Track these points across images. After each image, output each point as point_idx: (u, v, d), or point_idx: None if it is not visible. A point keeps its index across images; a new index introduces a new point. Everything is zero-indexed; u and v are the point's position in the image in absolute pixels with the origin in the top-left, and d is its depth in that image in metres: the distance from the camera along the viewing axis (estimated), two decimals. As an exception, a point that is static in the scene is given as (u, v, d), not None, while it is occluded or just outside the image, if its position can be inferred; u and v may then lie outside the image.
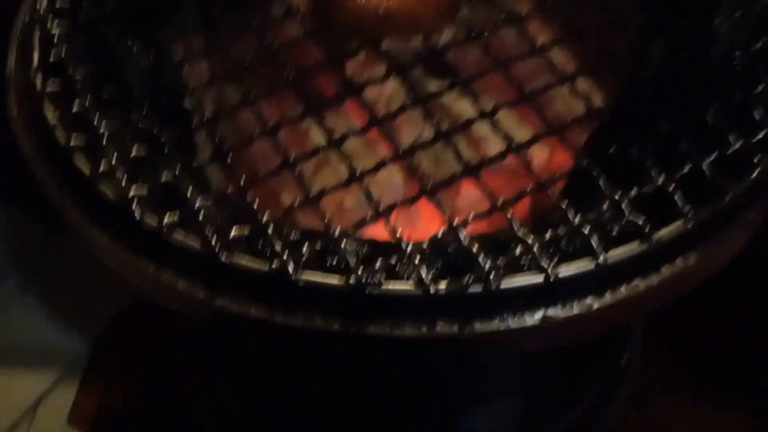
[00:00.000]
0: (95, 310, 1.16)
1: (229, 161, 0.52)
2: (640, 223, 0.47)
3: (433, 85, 0.59)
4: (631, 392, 0.92)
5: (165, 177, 0.50)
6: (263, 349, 0.83)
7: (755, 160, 0.50)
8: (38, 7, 0.61)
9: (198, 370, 0.95)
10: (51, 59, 0.57)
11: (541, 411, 0.86)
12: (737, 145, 0.50)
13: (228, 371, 0.92)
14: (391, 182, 0.53)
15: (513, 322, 0.46)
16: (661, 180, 0.48)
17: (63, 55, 0.56)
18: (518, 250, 0.46)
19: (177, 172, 0.50)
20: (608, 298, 0.47)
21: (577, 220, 0.47)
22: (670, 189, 0.48)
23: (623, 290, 0.47)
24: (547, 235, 0.47)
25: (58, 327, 1.14)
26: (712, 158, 0.49)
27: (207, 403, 0.92)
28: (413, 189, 0.50)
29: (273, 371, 0.87)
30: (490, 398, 0.83)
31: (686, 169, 0.49)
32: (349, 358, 0.61)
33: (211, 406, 0.92)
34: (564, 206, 0.48)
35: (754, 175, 0.49)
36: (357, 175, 0.50)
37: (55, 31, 0.58)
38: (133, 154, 0.51)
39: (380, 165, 0.51)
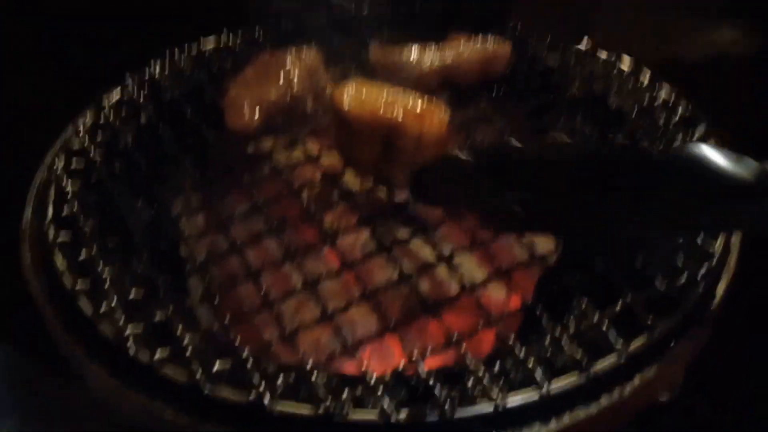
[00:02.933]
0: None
1: (216, 302, 0.58)
2: (578, 357, 0.53)
3: (400, 233, 0.67)
4: None
5: (158, 317, 0.56)
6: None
7: (680, 300, 0.57)
8: (55, 167, 0.70)
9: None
10: (63, 213, 0.65)
11: None
12: (663, 287, 0.57)
13: None
14: (359, 320, 0.59)
15: (468, 448, 0.51)
16: (596, 317, 0.55)
17: (74, 210, 0.64)
18: (471, 382, 0.52)
19: (169, 313, 0.56)
20: (553, 425, 0.52)
21: (522, 353, 0.53)
22: (604, 327, 0.54)
23: (566, 419, 0.52)
24: (496, 368, 0.53)
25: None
26: (641, 298, 0.56)
27: None
28: (379, 325, 0.57)
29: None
30: None
31: (618, 307, 0.56)
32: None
33: None
34: (511, 341, 0.54)
35: (680, 313, 0.56)
36: (329, 314, 0.57)
37: (69, 189, 0.66)
38: (132, 296, 0.58)
39: (349, 305, 0.57)
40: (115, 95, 0.81)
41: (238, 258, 0.62)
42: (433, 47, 0.79)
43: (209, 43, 0.90)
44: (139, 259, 0.61)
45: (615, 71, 0.82)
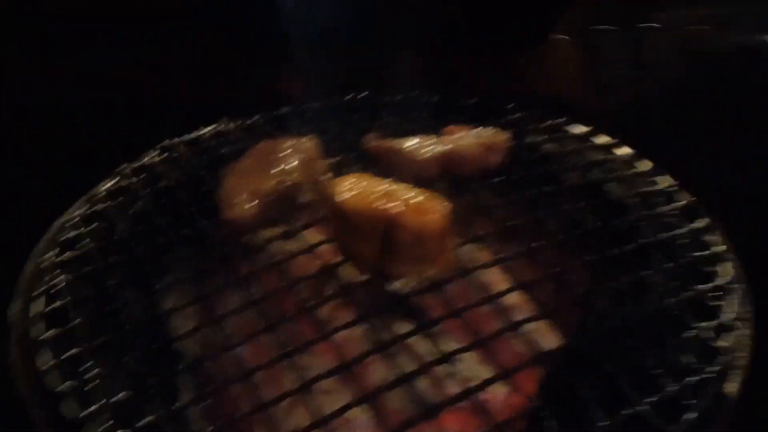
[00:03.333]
0: None
1: (207, 403, 0.56)
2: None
3: (399, 328, 0.65)
4: None
5: (147, 419, 0.54)
6: None
7: (687, 403, 0.54)
8: (46, 257, 0.68)
9: None
10: (52, 307, 0.63)
11: None
12: (671, 389, 0.55)
13: None
14: (356, 423, 0.57)
15: None
16: (605, 423, 0.53)
17: (63, 304, 0.62)
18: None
19: (159, 415, 0.54)
20: None
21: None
22: None
23: None
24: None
25: None
26: (650, 401, 0.54)
27: None
28: (378, 429, 0.54)
29: None
30: None
31: (629, 411, 0.53)
32: None
33: None
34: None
35: (690, 416, 0.54)
36: (325, 416, 0.54)
37: (59, 282, 0.65)
38: (120, 397, 0.55)
39: (346, 407, 0.55)
40: (111, 184, 0.81)
41: (231, 356, 0.60)
42: (431, 137, 0.79)
43: (207, 131, 0.91)
44: (130, 355, 0.59)
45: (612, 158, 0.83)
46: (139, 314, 0.64)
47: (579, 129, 0.89)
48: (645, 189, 0.78)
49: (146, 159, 0.86)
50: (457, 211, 0.70)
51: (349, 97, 0.98)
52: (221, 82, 1.03)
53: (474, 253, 0.71)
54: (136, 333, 0.61)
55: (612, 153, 0.85)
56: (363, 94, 0.98)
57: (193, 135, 0.91)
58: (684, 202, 0.75)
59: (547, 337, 0.65)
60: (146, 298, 0.66)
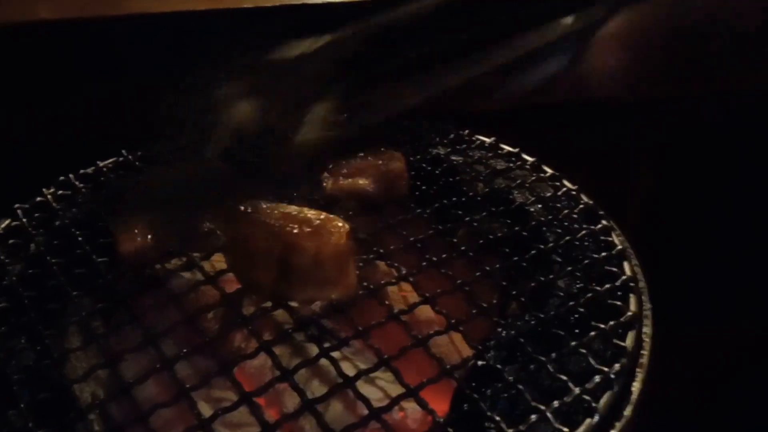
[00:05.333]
0: None
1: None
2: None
3: (306, 352, 0.63)
4: None
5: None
6: None
7: (596, 405, 0.55)
8: None
9: None
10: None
11: None
12: (576, 389, 0.55)
13: None
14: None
15: None
16: (511, 433, 0.52)
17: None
18: None
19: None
20: None
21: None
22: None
23: None
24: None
25: None
26: (554, 407, 0.54)
27: None
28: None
29: None
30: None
31: (532, 420, 0.53)
32: None
33: None
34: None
35: (593, 419, 0.54)
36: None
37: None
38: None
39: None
40: (3, 225, 0.77)
41: (131, 395, 0.57)
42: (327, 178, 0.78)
43: (106, 164, 0.88)
44: (16, 409, 0.56)
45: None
46: (26, 363, 0.60)
47: (482, 139, 0.90)
48: (546, 194, 0.79)
49: (41, 197, 0.83)
50: (360, 230, 0.70)
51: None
52: (119, 114, 0.99)
53: (379, 270, 0.71)
54: (23, 384, 0.58)
55: (515, 161, 0.86)
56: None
57: (91, 169, 0.87)
58: (583, 205, 0.77)
59: (456, 351, 0.65)
60: (35, 346, 0.62)
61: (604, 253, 0.70)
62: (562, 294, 0.66)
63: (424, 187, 0.82)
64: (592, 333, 0.61)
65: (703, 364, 1.24)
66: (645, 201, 1.21)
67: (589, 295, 0.65)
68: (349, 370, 0.59)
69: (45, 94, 0.98)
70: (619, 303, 0.64)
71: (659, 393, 0.60)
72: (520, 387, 0.56)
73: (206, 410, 0.56)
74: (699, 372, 1.24)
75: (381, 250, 0.70)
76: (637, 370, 0.60)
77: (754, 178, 1.20)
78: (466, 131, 0.91)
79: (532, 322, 0.62)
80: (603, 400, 0.55)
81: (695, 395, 1.24)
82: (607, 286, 0.66)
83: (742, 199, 1.21)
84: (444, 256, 0.70)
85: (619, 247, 0.71)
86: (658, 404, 0.61)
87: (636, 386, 0.58)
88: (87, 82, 0.97)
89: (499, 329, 0.62)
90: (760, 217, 1.20)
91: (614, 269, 0.68)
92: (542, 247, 0.71)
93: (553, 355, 0.58)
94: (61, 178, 0.86)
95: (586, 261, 0.69)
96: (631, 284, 0.66)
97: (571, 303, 0.64)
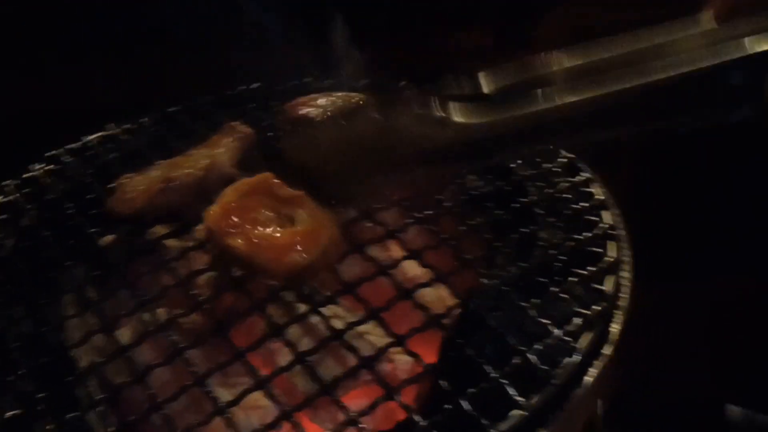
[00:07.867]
0: None
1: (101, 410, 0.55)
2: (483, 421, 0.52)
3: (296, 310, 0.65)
4: None
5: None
6: None
7: (572, 346, 0.57)
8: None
9: None
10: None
11: None
12: (557, 332, 0.57)
13: None
14: (254, 411, 0.57)
15: None
16: (495, 376, 0.54)
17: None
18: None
19: (51, 429, 0.53)
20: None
21: (422, 423, 0.52)
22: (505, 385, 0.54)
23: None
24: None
25: None
26: (536, 348, 0.56)
27: None
28: (278, 414, 0.54)
29: None
30: None
31: (516, 361, 0.55)
32: None
33: None
34: (412, 411, 0.53)
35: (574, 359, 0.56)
36: (222, 405, 0.54)
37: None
38: (8, 415, 0.54)
39: (244, 394, 0.55)
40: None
41: (127, 359, 0.59)
42: None
43: (94, 138, 0.89)
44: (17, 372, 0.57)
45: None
46: (26, 331, 0.62)
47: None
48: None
49: (31, 172, 0.84)
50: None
51: (241, 88, 0.97)
52: (104, 87, 1.00)
53: (366, 228, 0.72)
54: (22, 351, 0.60)
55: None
56: (255, 85, 0.98)
57: (79, 143, 0.88)
58: (565, 160, 0.78)
59: (442, 301, 0.66)
60: (33, 314, 0.64)
61: (584, 204, 0.72)
62: (544, 244, 0.67)
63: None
64: (573, 279, 0.62)
65: (697, 314, 1.26)
66: (632, 157, 1.22)
67: (571, 243, 0.66)
68: (339, 324, 0.61)
69: (24, 64, 0.98)
70: (599, 250, 0.66)
71: (650, 341, 0.62)
72: (504, 332, 0.58)
73: (198, 369, 0.58)
74: (692, 321, 1.26)
75: (367, 209, 0.71)
76: (616, 312, 0.62)
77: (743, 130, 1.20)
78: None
79: (516, 272, 0.64)
80: (582, 341, 0.57)
81: (684, 343, 1.26)
82: (588, 234, 0.67)
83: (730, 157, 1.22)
84: (430, 212, 0.71)
85: (600, 197, 0.72)
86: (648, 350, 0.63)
87: (615, 327, 0.60)
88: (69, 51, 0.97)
89: (484, 279, 0.64)
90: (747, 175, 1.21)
91: (594, 218, 0.69)
92: (525, 200, 0.73)
93: (536, 301, 0.60)
94: (50, 152, 0.87)
95: (568, 212, 0.70)
96: (611, 232, 0.68)
97: (553, 252, 0.66)
